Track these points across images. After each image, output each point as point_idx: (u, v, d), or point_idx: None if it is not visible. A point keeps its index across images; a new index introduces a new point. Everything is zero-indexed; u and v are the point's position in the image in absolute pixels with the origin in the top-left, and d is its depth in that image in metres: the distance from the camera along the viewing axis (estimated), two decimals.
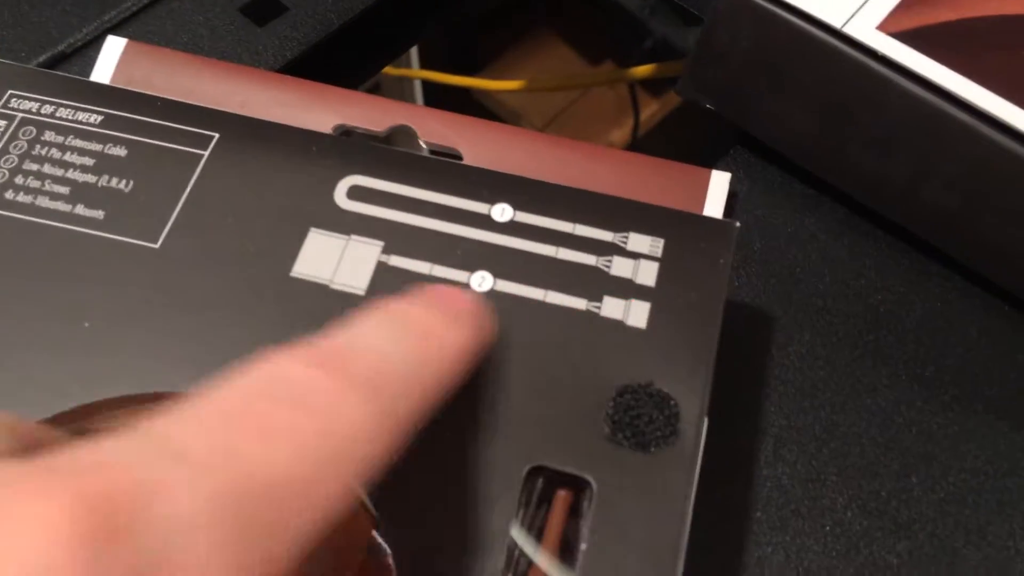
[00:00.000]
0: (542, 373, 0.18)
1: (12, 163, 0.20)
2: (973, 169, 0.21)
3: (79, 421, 0.18)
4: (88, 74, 0.24)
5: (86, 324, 0.18)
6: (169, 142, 0.21)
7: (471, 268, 0.19)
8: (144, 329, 0.18)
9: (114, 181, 0.20)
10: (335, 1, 0.28)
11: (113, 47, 0.24)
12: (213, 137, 0.21)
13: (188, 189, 0.20)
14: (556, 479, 0.17)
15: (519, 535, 0.17)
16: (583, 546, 0.16)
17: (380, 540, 0.17)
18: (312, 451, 0.12)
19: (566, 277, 0.19)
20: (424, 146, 0.23)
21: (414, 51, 0.53)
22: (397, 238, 0.19)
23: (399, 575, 0.16)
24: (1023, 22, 0.22)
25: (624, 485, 0.17)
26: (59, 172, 0.20)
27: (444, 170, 0.20)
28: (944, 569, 0.20)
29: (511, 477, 0.17)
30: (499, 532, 0.16)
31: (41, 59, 0.26)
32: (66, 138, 0.20)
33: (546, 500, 0.17)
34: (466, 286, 0.19)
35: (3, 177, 0.20)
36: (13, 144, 0.20)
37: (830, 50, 0.22)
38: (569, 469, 0.17)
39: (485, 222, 0.20)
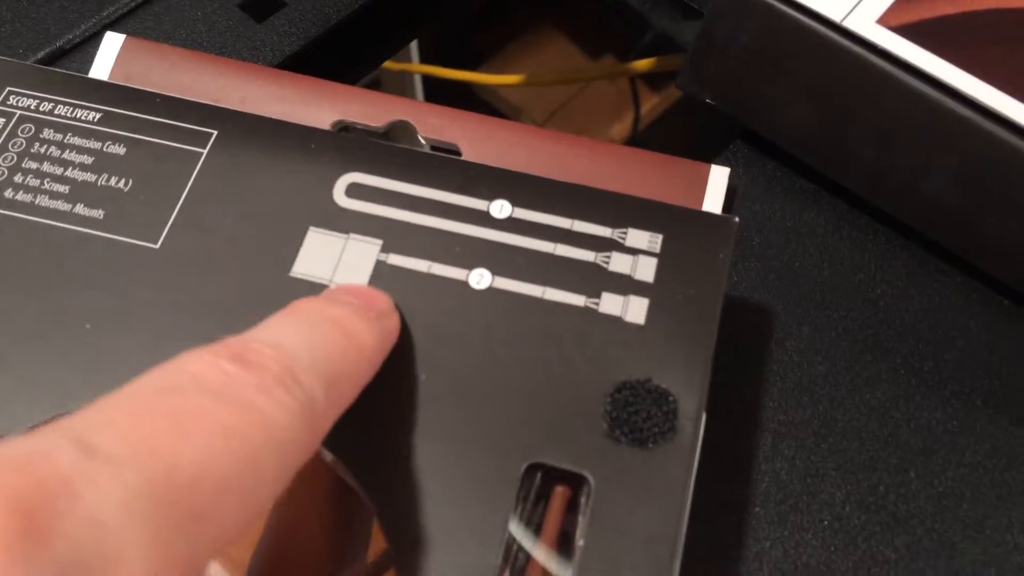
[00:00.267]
0: (540, 369, 0.18)
1: (11, 161, 0.20)
2: (973, 164, 0.21)
3: None
4: (87, 70, 0.24)
5: (87, 326, 0.19)
6: (168, 140, 0.21)
7: (470, 265, 0.19)
8: (145, 330, 0.19)
9: (113, 180, 0.20)
10: None
11: (112, 43, 0.24)
12: (212, 134, 0.21)
13: (187, 188, 0.20)
14: (554, 475, 0.17)
15: (517, 530, 0.17)
16: (581, 542, 0.16)
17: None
18: (232, 444, 0.13)
19: (564, 273, 0.19)
20: (424, 142, 0.23)
21: (414, 46, 0.53)
22: (396, 236, 0.20)
23: (397, 568, 0.16)
24: (1023, 16, 0.22)
25: (622, 481, 0.17)
26: (58, 171, 0.20)
27: (443, 166, 0.20)
28: (942, 563, 0.20)
29: (509, 473, 0.17)
30: (497, 528, 0.17)
31: (40, 55, 0.26)
32: (65, 136, 0.20)
33: (544, 496, 0.18)
34: (465, 283, 0.19)
35: (2, 176, 0.20)
36: (12, 142, 0.20)
37: (829, 44, 0.22)
38: (567, 466, 0.17)
39: (484, 219, 0.20)
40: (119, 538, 0.11)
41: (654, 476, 0.17)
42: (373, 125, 0.23)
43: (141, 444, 0.12)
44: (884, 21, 0.22)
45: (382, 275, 0.19)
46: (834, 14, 0.22)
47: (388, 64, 0.45)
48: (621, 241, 0.19)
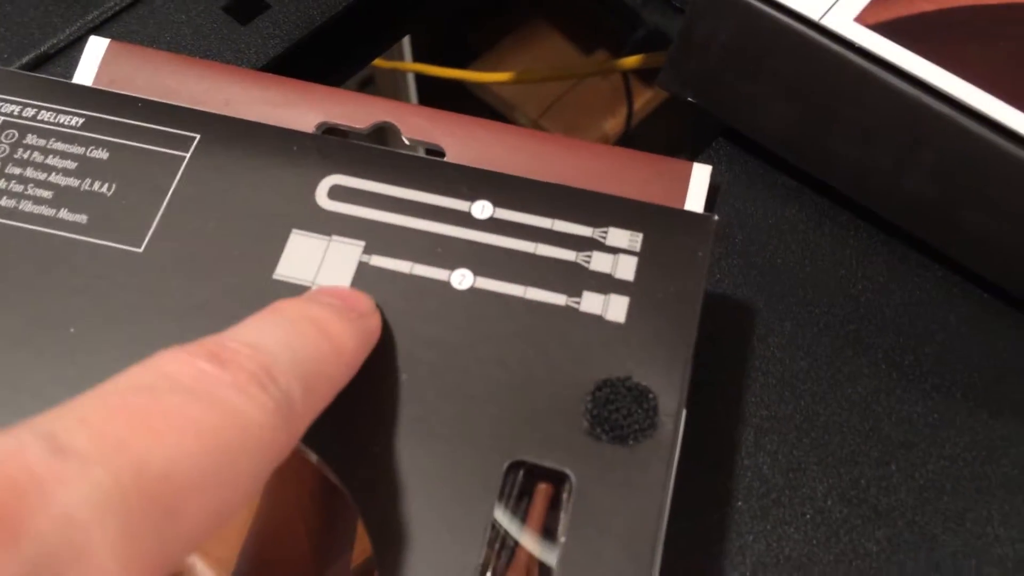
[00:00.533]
0: (522, 368, 0.18)
1: None
2: (951, 159, 0.22)
3: None
4: (71, 75, 0.24)
5: (71, 330, 0.19)
6: (151, 144, 0.21)
7: (451, 266, 0.19)
8: (129, 334, 0.19)
9: (96, 185, 0.20)
10: None
11: (96, 47, 0.24)
12: (194, 138, 0.21)
13: (170, 192, 0.20)
14: (536, 473, 0.18)
15: (500, 528, 0.17)
16: (562, 538, 0.17)
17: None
18: (204, 441, 0.13)
19: (546, 273, 0.19)
20: (407, 143, 0.23)
21: (407, 44, 0.53)
22: (378, 238, 0.20)
23: (379, 569, 0.16)
24: (1000, 13, 0.22)
25: (603, 478, 0.17)
26: (42, 176, 0.20)
27: (424, 167, 0.21)
28: (923, 555, 0.20)
29: (491, 471, 0.17)
30: (479, 525, 0.17)
31: (24, 60, 0.26)
32: (48, 141, 0.21)
33: (527, 493, 0.18)
34: (447, 284, 0.19)
35: None
36: None
37: (808, 42, 0.22)
38: (548, 463, 0.17)
39: (465, 220, 0.20)
40: (89, 534, 0.11)
41: (635, 473, 0.17)
42: (357, 127, 0.24)
43: (112, 442, 0.12)
44: (862, 19, 0.22)
45: (365, 276, 0.19)
46: (812, 12, 0.22)
47: (380, 63, 0.45)
48: (602, 240, 0.20)
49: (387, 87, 0.54)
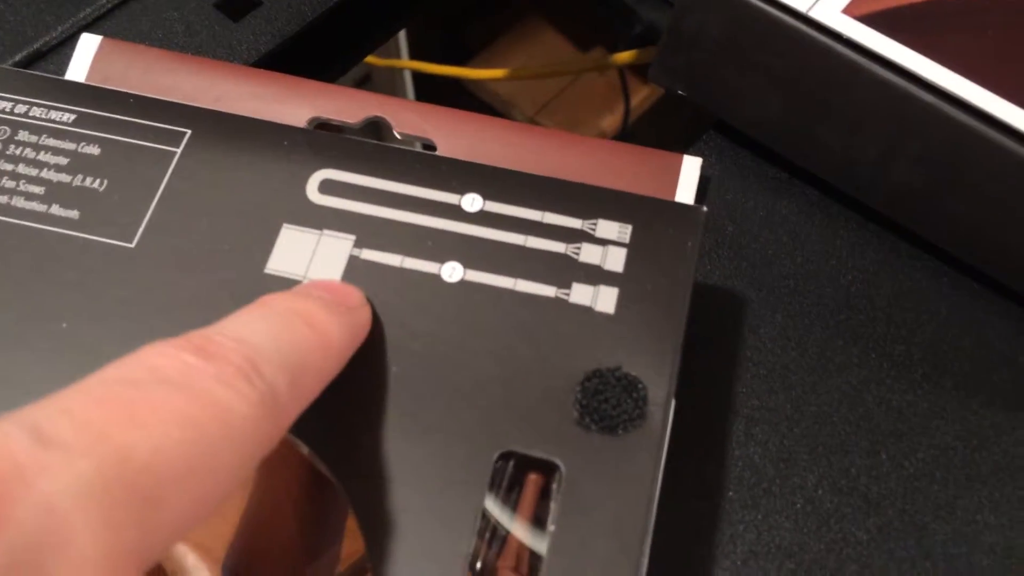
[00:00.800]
0: (512, 359, 0.18)
1: None
2: (939, 149, 0.22)
3: None
4: (64, 72, 0.24)
5: (64, 324, 0.19)
6: (142, 140, 0.21)
7: (442, 259, 0.19)
8: (122, 329, 0.19)
9: (88, 180, 0.20)
10: None
11: (88, 45, 0.24)
12: (185, 134, 0.21)
13: (162, 187, 0.20)
14: (526, 463, 0.18)
15: (491, 518, 0.17)
16: (552, 527, 0.17)
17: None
18: (187, 432, 0.13)
19: (535, 265, 0.19)
20: (399, 137, 0.24)
21: (404, 42, 0.53)
22: (369, 231, 0.20)
23: (370, 558, 0.16)
24: (987, 4, 0.22)
25: (592, 468, 0.17)
26: (34, 172, 0.20)
27: (414, 161, 0.21)
28: (913, 543, 0.20)
29: (481, 461, 0.17)
30: (469, 515, 0.17)
31: (17, 58, 0.27)
32: (40, 137, 0.21)
33: (518, 484, 0.18)
34: (437, 277, 0.19)
35: None
36: None
37: (796, 34, 0.22)
38: (538, 453, 0.17)
39: (455, 213, 0.20)
40: (71, 523, 0.11)
41: (624, 462, 0.17)
42: (349, 122, 0.24)
43: (95, 432, 0.12)
44: (849, 11, 0.22)
45: (356, 270, 0.19)
46: (800, 4, 0.22)
47: (376, 60, 0.45)
48: (591, 232, 0.20)
49: (383, 85, 0.55)
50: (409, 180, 0.20)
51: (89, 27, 0.27)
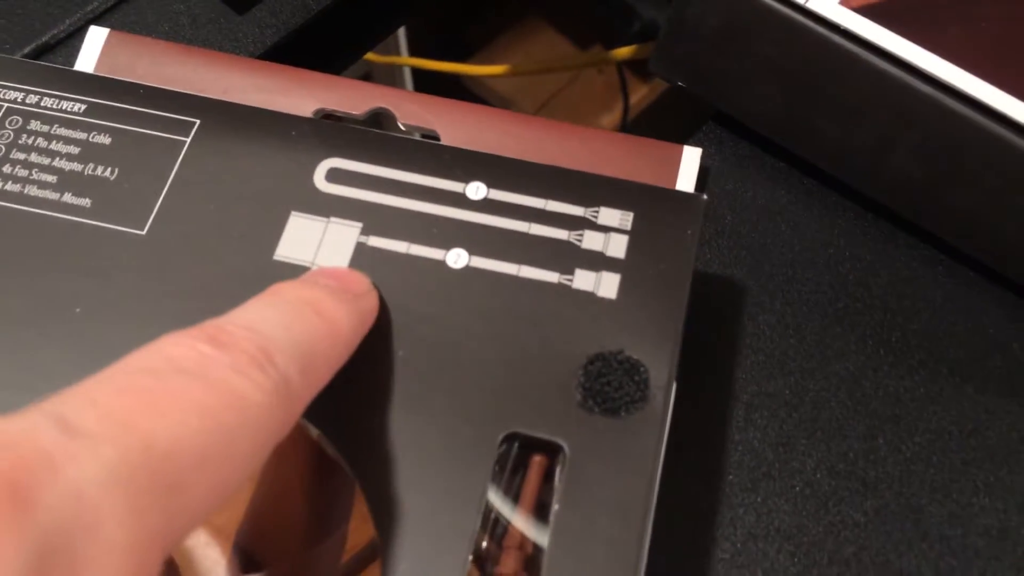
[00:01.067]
0: (516, 344, 0.19)
1: (0, 153, 0.21)
2: (936, 139, 0.22)
3: None
4: (72, 64, 0.24)
5: (77, 309, 0.19)
6: (152, 129, 0.21)
7: (447, 246, 0.20)
8: (134, 314, 0.19)
9: (99, 169, 0.21)
10: None
11: (96, 37, 0.24)
12: (195, 123, 0.21)
13: (172, 176, 0.21)
14: (530, 445, 0.18)
15: (496, 499, 0.18)
16: (556, 506, 0.17)
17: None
18: (206, 421, 0.13)
19: (539, 252, 0.20)
20: (403, 128, 0.24)
21: (403, 39, 0.54)
22: (375, 219, 0.20)
23: (378, 536, 0.17)
24: None
25: (595, 448, 0.18)
26: (46, 161, 0.21)
27: (420, 150, 0.21)
28: (910, 525, 0.21)
29: (486, 442, 0.18)
30: (475, 494, 0.17)
31: (26, 51, 0.27)
32: (52, 127, 0.21)
33: (522, 466, 0.18)
34: (442, 263, 0.20)
35: None
36: (0, 134, 0.21)
37: (795, 25, 0.23)
38: (542, 434, 0.18)
39: (460, 200, 0.20)
40: (99, 509, 0.12)
41: (626, 443, 0.18)
42: (353, 113, 0.24)
43: (118, 421, 0.13)
44: (847, 2, 0.22)
45: (362, 257, 0.20)
46: None
47: (377, 57, 0.45)
48: (593, 219, 0.20)
49: (384, 83, 0.55)
50: (415, 169, 0.21)
51: (97, 20, 0.28)
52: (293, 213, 0.20)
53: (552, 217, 0.20)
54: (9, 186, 0.20)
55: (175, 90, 0.22)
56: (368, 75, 0.54)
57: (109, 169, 0.21)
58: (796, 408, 0.22)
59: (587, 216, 0.20)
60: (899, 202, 0.24)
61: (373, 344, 0.18)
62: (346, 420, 0.18)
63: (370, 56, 0.46)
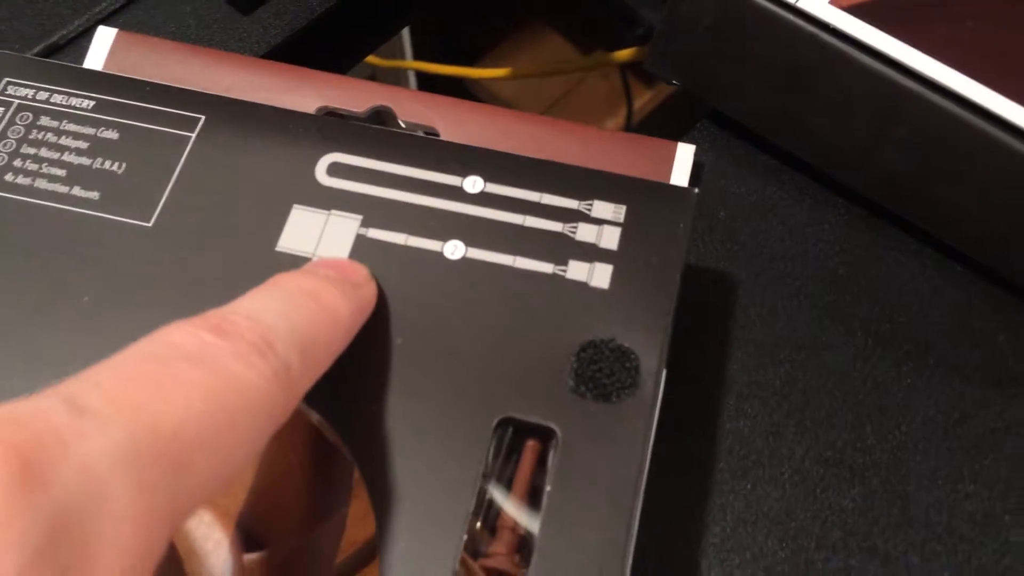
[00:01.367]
0: (511, 332, 0.19)
1: (11, 147, 0.21)
2: (922, 135, 0.23)
3: None
4: (81, 64, 0.25)
5: (85, 299, 0.20)
6: (158, 125, 0.22)
7: (444, 237, 0.20)
8: (140, 302, 0.20)
9: (107, 163, 0.21)
10: None
11: (104, 37, 0.25)
12: (200, 119, 0.22)
13: (177, 170, 0.21)
14: (524, 430, 0.19)
15: (490, 482, 0.18)
16: (548, 488, 0.18)
17: None
18: (209, 404, 0.14)
19: (534, 243, 0.20)
20: (403, 126, 0.25)
21: (408, 43, 0.54)
22: (375, 211, 0.21)
23: (376, 517, 0.17)
24: None
25: (587, 433, 0.18)
26: (55, 155, 0.21)
27: (418, 145, 0.22)
28: (896, 512, 0.21)
29: (482, 426, 0.18)
30: (470, 477, 0.18)
31: (36, 50, 0.28)
32: (61, 123, 0.22)
33: (516, 451, 0.19)
34: (440, 254, 0.20)
35: (2, 161, 0.21)
36: (11, 129, 0.22)
37: (785, 24, 0.23)
38: (535, 419, 0.18)
39: (457, 194, 0.21)
40: (107, 484, 0.12)
41: (617, 427, 0.18)
42: (355, 111, 0.25)
43: (127, 404, 0.13)
44: (836, 1, 0.23)
45: (362, 248, 0.20)
46: None
47: (381, 61, 0.46)
48: (587, 212, 0.21)
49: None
50: (413, 163, 0.21)
51: (105, 20, 0.28)
52: (295, 206, 0.21)
53: (547, 210, 0.21)
54: (20, 179, 0.21)
55: (180, 87, 0.23)
56: (373, 78, 0.54)
57: (117, 163, 0.21)
58: (786, 398, 0.23)
59: (581, 209, 0.21)
60: (888, 197, 0.24)
61: (372, 332, 0.19)
62: (346, 405, 0.19)
63: (375, 60, 0.46)
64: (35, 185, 0.21)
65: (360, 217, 0.21)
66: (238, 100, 0.22)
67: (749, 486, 0.22)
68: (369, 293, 0.19)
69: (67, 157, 0.21)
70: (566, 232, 0.20)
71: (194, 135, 0.22)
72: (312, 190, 0.21)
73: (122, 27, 0.26)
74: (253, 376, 0.15)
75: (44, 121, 0.22)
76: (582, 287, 0.20)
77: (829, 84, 0.23)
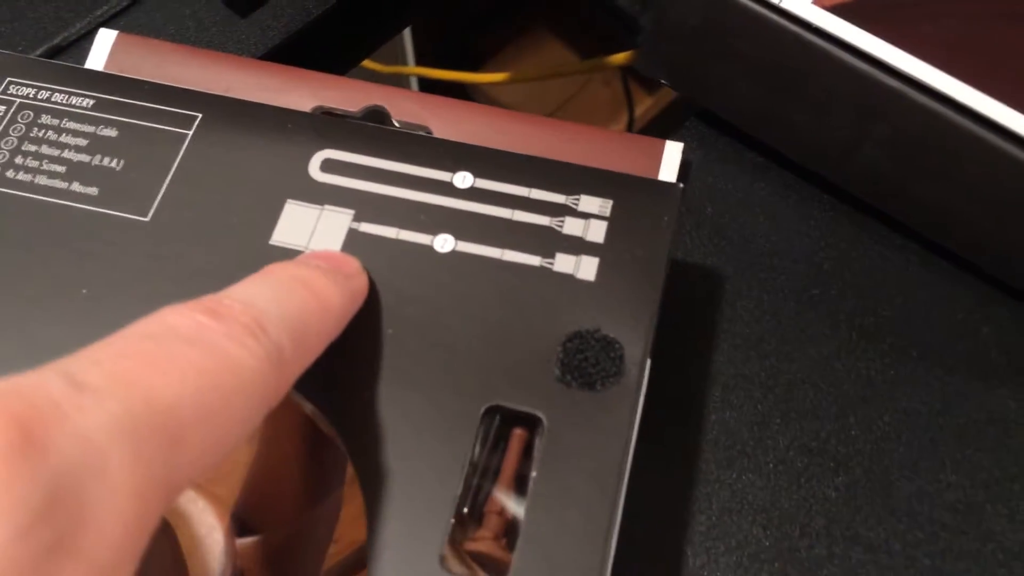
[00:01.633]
0: (500, 323, 0.20)
1: (12, 145, 0.22)
2: (904, 132, 0.23)
3: None
4: (82, 65, 0.25)
5: (84, 291, 0.20)
6: (156, 123, 0.22)
7: (434, 232, 0.21)
8: (137, 295, 0.20)
9: (106, 160, 0.22)
10: None
11: (105, 39, 0.26)
12: (196, 117, 0.22)
13: (174, 166, 0.22)
14: (511, 418, 0.19)
15: (478, 469, 0.19)
16: (533, 473, 0.18)
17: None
18: (203, 380, 0.14)
19: (522, 237, 0.21)
20: (397, 125, 0.25)
21: (409, 50, 0.55)
22: (367, 206, 0.21)
23: (366, 502, 0.18)
24: None
25: (572, 420, 0.18)
26: (55, 152, 0.22)
27: (410, 143, 0.22)
28: (879, 500, 0.22)
29: (469, 414, 0.19)
30: (458, 463, 0.18)
31: (39, 52, 0.28)
32: (61, 121, 0.22)
33: (503, 439, 0.19)
34: (430, 248, 0.21)
35: (3, 158, 0.22)
36: (12, 127, 0.22)
37: (769, 24, 0.24)
38: (522, 407, 0.19)
39: (448, 189, 0.21)
40: (104, 454, 0.12)
41: (601, 415, 0.19)
42: (350, 110, 0.25)
43: (123, 379, 0.14)
44: (819, 1, 0.23)
45: (354, 242, 0.21)
46: None
47: (379, 66, 0.47)
48: (574, 207, 0.21)
49: None
50: (405, 159, 0.22)
51: (106, 23, 0.29)
52: (289, 201, 0.21)
53: (535, 204, 0.21)
54: (21, 175, 0.21)
55: (178, 86, 0.23)
56: None
57: (115, 160, 0.22)
58: (771, 389, 0.23)
59: (568, 203, 0.21)
60: (871, 193, 0.25)
61: (364, 323, 0.19)
62: (337, 393, 0.19)
63: (376, 66, 0.47)
64: (36, 181, 0.21)
65: (352, 212, 0.21)
66: (234, 99, 0.23)
67: (734, 475, 0.22)
68: (360, 284, 0.20)
69: (67, 154, 0.22)
70: (553, 226, 0.21)
71: (191, 132, 0.22)
72: (306, 185, 0.21)
73: (123, 29, 0.26)
74: (246, 356, 0.15)
75: (45, 119, 0.22)
76: (569, 279, 0.20)
77: (813, 83, 0.24)
